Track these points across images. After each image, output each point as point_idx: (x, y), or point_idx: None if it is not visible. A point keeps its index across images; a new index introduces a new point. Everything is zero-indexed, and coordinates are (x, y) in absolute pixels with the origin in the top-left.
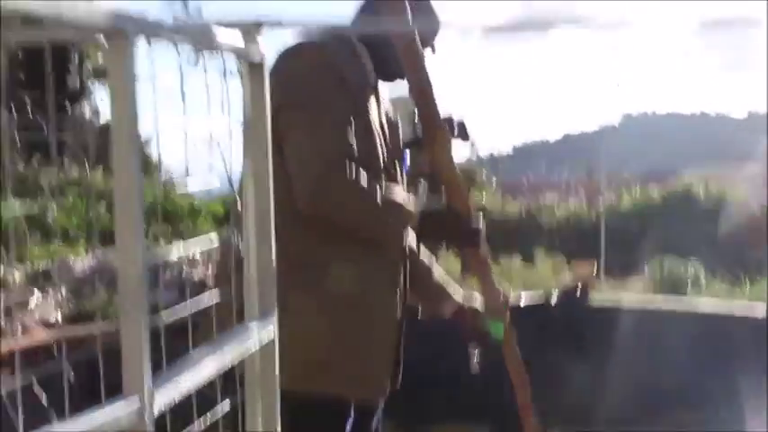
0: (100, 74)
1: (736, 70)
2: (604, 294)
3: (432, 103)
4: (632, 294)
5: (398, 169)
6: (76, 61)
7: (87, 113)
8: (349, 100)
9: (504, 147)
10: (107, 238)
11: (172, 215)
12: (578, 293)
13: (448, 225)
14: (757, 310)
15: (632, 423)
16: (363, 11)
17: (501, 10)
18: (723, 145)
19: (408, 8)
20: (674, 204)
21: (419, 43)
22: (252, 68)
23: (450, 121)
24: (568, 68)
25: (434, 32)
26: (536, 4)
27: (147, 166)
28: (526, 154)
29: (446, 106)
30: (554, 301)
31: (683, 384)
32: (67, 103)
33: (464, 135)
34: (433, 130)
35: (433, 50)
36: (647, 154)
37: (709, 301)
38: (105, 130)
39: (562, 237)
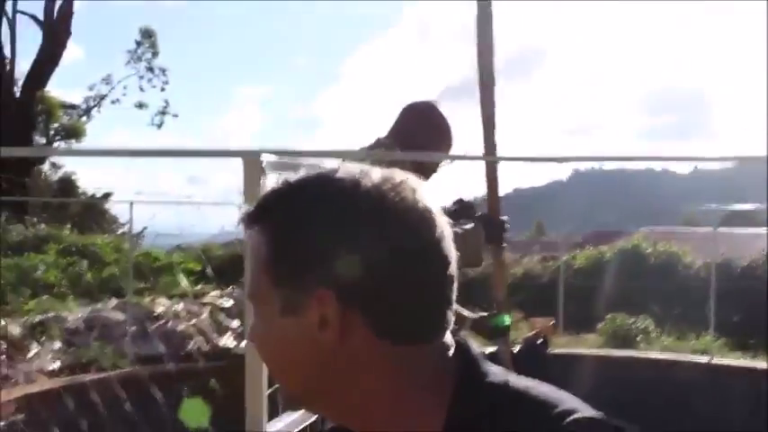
0: (63, 132)
1: (679, 131)
2: (563, 345)
3: None
4: (588, 346)
5: None
6: (45, 123)
7: (48, 169)
8: None
9: (449, 199)
10: (93, 293)
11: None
12: (539, 344)
13: (482, 218)
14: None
15: None
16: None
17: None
18: (669, 201)
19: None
20: (624, 262)
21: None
22: None
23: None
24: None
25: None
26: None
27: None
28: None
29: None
30: (517, 349)
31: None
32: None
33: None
34: None
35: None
36: (596, 210)
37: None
38: (66, 183)
39: (520, 292)
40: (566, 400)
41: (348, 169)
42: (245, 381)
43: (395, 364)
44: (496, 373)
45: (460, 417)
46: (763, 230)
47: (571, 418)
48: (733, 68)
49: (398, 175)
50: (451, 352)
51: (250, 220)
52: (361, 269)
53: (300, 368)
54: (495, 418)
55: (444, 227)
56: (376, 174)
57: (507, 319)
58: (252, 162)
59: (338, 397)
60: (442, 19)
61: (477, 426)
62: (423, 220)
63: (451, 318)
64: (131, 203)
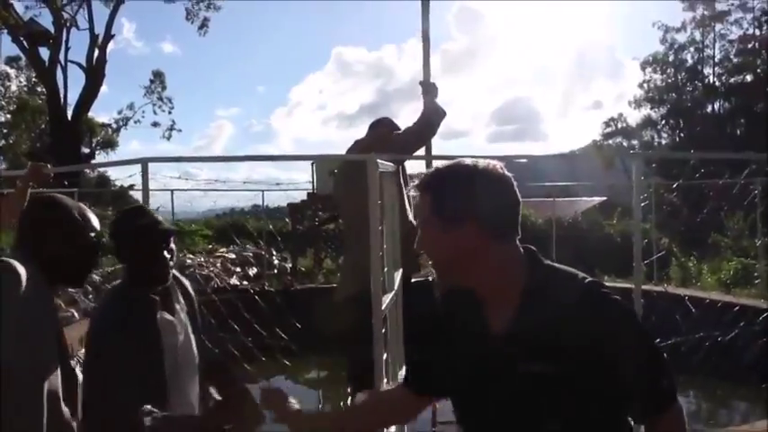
0: (102, 144)
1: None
2: None
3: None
4: None
5: None
6: (88, 138)
7: (92, 173)
8: None
9: None
10: None
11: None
12: None
13: None
14: None
15: None
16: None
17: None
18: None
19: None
20: None
21: None
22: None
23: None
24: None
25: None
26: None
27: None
28: None
29: None
30: (431, 278)
31: None
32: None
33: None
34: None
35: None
36: None
37: None
38: (103, 179)
39: None
40: (582, 273)
41: (466, 160)
42: (371, 279)
43: (500, 253)
44: (544, 259)
45: (532, 279)
46: (576, 199)
47: (588, 279)
48: (556, 87)
49: (489, 161)
50: (521, 248)
51: (419, 188)
52: (481, 204)
53: (451, 260)
54: (548, 280)
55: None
56: (481, 160)
57: None
58: (321, 164)
59: (470, 273)
60: (356, 60)
61: (540, 284)
62: (507, 178)
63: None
64: (172, 192)
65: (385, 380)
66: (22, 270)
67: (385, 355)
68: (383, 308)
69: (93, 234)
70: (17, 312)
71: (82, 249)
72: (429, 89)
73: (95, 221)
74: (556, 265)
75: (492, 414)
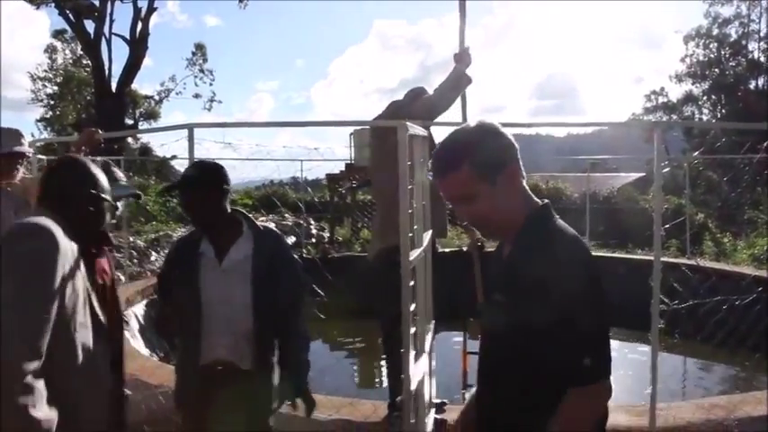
0: (145, 115)
1: (557, 110)
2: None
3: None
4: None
5: None
6: (132, 109)
7: (135, 143)
8: None
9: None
10: (185, 218)
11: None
12: (479, 245)
13: None
14: None
15: None
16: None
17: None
18: (550, 155)
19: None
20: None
21: None
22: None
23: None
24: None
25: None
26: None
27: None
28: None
29: None
30: (465, 249)
31: None
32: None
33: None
34: None
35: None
36: None
37: None
38: (145, 149)
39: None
40: (572, 238)
41: (462, 126)
42: (400, 235)
43: (524, 191)
44: (554, 214)
45: (529, 220)
46: (614, 174)
47: (566, 239)
48: (597, 62)
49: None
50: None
51: (446, 169)
52: (509, 150)
53: (506, 211)
54: (539, 226)
55: None
56: (471, 120)
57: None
58: (359, 136)
59: (510, 218)
60: (397, 34)
61: (530, 226)
62: (507, 135)
63: None
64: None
65: (413, 329)
66: (57, 230)
67: (413, 306)
68: (411, 259)
69: (105, 196)
70: (55, 271)
71: (102, 210)
72: (462, 57)
73: (106, 184)
74: (558, 220)
75: (482, 342)
